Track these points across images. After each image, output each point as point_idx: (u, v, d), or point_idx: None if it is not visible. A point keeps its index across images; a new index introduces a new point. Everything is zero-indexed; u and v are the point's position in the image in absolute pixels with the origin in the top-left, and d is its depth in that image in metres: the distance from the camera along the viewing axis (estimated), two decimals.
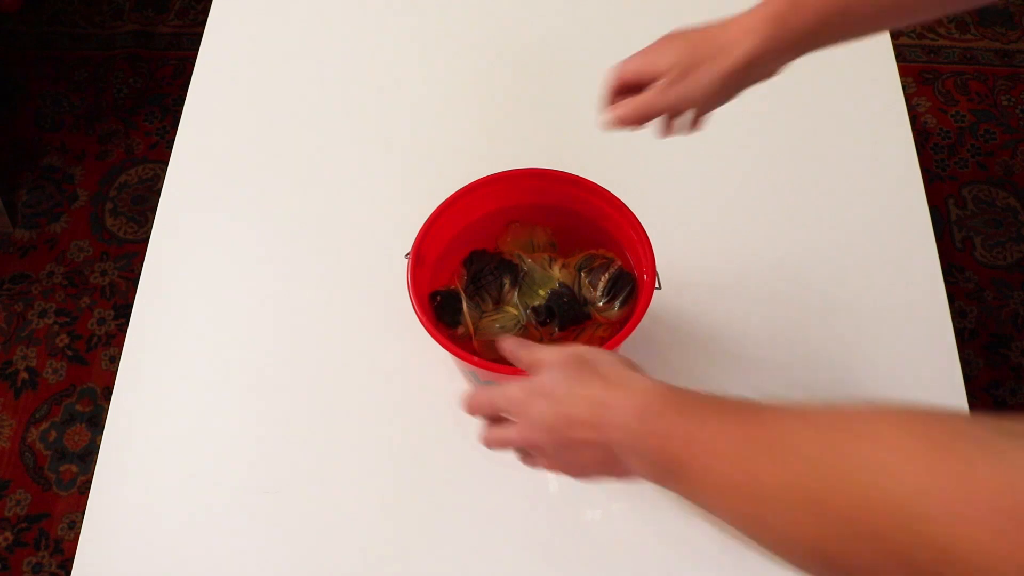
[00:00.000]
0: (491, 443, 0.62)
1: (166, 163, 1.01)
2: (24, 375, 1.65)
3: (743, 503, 0.46)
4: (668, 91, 0.67)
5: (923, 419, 0.40)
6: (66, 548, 1.49)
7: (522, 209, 0.86)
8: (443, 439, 0.84)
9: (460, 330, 0.81)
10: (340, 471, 0.83)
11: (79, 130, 1.93)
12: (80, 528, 0.81)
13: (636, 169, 0.95)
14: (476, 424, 0.62)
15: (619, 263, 0.83)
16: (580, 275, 0.83)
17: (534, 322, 0.81)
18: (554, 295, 0.82)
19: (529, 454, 0.61)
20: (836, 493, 0.41)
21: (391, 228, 0.95)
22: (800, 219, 0.96)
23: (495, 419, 0.62)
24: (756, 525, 0.46)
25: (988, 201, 1.82)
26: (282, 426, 0.86)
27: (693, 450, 0.49)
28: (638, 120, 0.70)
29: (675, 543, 0.79)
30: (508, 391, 0.60)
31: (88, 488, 0.83)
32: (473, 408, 0.63)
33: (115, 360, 1.63)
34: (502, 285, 0.83)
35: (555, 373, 0.58)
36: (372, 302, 0.91)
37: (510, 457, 0.60)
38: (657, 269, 0.76)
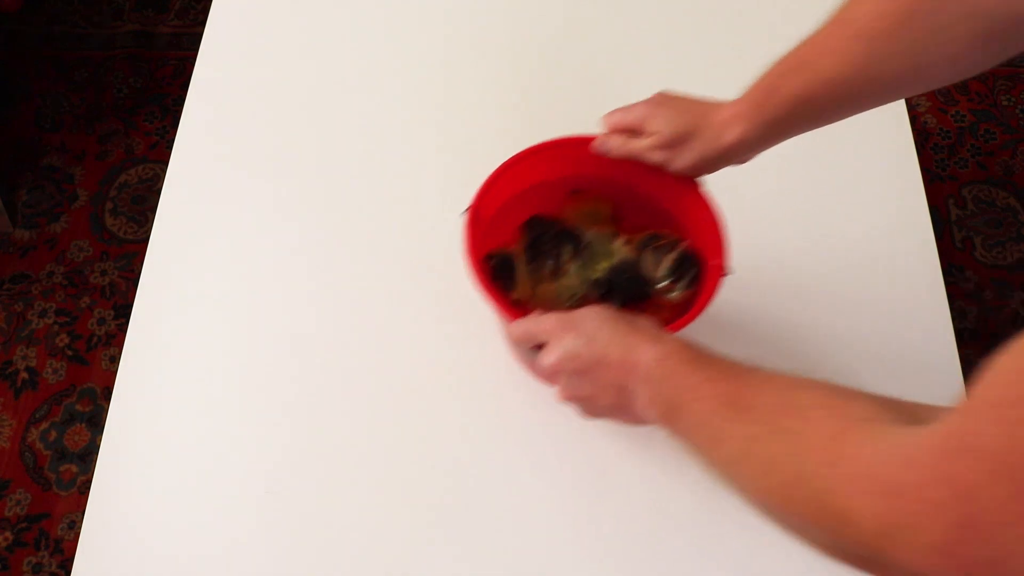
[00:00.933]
0: (528, 366, 0.70)
1: (166, 163, 1.01)
2: (24, 375, 1.65)
3: (712, 448, 0.54)
4: (655, 153, 0.73)
5: (844, 401, 0.47)
6: (66, 548, 1.49)
7: (585, 179, 0.82)
8: (445, 439, 0.84)
9: (513, 296, 0.78)
10: (342, 470, 0.83)
11: (79, 130, 1.93)
12: (80, 528, 0.81)
13: None
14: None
15: (686, 244, 0.79)
16: (644, 253, 0.80)
17: (593, 296, 0.78)
18: (616, 270, 0.79)
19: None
20: (774, 459, 0.48)
21: (398, 231, 0.95)
22: (800, 219, 0.96)
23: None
24: (719, 468, 0.53)
25: (988, 201, 1.82)
26: (283, 426, 0.85)
27: (687, 396, 0.56)
28: (624, 158, 0.76)
29: (674, 543, 0.79)
30: (545, 321, 0.66)
31: (88, 488, 0.83)
32: (514, 336, 0.69)
33: (115, 360, 1.63)
34: (561, 254, 0.80)
35: (595, 315, 0.64)
36: (374, 303, 0.91)
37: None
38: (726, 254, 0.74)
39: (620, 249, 0.81)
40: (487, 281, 0.72)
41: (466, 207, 0.75)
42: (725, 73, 0.75)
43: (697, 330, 0.89)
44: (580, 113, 0.82)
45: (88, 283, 1.74)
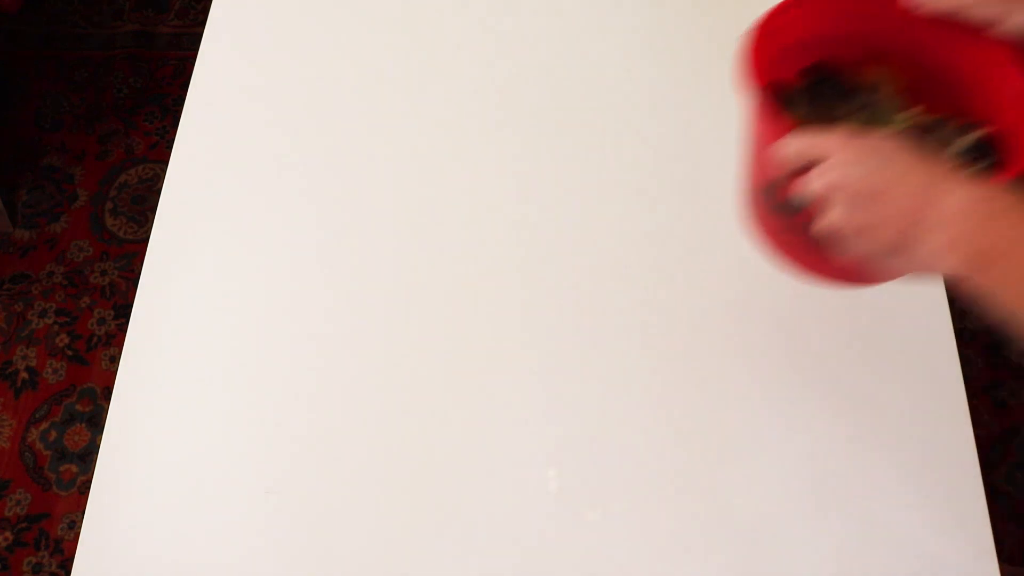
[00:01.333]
0: (765, 226, 0.63)
1: (166, 163, 1.01)
2: (24, 375, 1.65)
3: None
4: (987, 5, 0.64)
5: None
6: (66, 548, 1.49)
7: (880, 39, 0.73)
8: (442, 441, 0.84)
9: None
10: (343, 470, 0.83)
11: (79, 130, 1.93)
12: (80, 528, 0.81)
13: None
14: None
15: (989, 129, 0.70)
16: (935, 128, 0.72)
17: None
18: (901, 136, 0.69)
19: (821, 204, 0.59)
20: None
21: (399, 232, 0.95)
22: None
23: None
24: None
25: None
26: (283, 426, 0.85)
27: (1019, 253, 0.50)
28: (943, 13, 0.66)
29: (673, 543, 0.79)
30: (831, 136, 0.58)
31: (88, 488, 0.83)
32: (787, 152, 0.60)
33: (115, 360, 1.63)
34: (837, 106, 0.72)
35: (893, 140, 0.57)
36: (375, 303, 0.91)
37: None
38: None
39: (908, 119, 0.72)
40: (766, 98, 0.65)
41: (751, 27, 0.68)
42: None
43: (694, 324, 0.89)
44: None
45: (88, 283, 1.74)
